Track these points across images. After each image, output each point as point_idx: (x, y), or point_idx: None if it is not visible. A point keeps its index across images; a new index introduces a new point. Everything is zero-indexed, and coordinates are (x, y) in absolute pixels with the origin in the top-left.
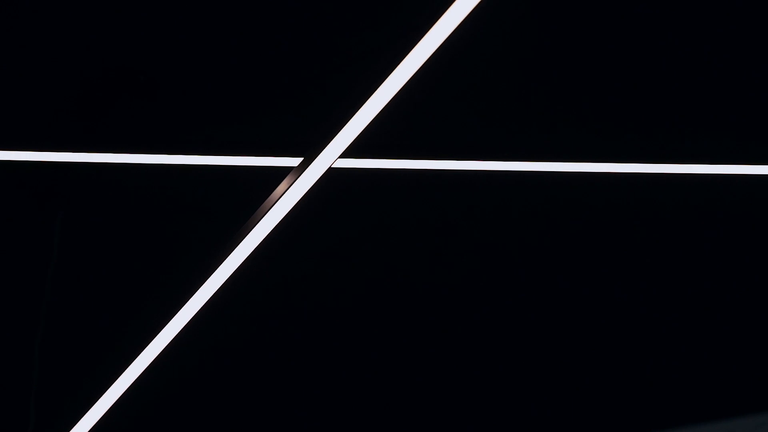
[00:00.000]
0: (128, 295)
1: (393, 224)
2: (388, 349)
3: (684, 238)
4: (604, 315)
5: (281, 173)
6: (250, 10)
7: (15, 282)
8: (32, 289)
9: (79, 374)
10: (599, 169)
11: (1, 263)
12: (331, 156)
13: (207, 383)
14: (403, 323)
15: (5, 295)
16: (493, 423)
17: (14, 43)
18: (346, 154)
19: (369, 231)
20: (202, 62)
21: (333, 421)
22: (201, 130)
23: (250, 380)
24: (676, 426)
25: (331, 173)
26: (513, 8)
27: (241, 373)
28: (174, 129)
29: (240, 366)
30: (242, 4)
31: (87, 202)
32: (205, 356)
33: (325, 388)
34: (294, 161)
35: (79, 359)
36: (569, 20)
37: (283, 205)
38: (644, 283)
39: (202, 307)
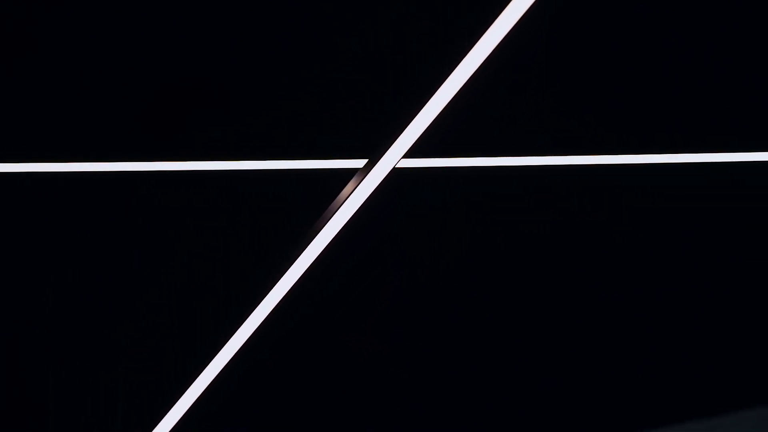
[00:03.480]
0: (204, 295)
1: (454, 221)
2: (450, 346)
3: (667, 236)
4: (591, 315)
5: (348, 174)
6: (317, 19)
7: (100, 286)
8: (117, 291)
9: (164, 372)
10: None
11: (85, 271)
12: (394, 157)
13: (279, 377)
14: (453, 322)
15: (92, 298)
16: (485, 423)
17: (89, 58)
18: (409, 155)
19: (432, 228)
20: (268, 70)
21: (380, 413)
22: (270, 136)
23: (312, 373)
24: (663, 427)
25: (395, 173)
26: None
27: (307, 366)
28: (244, 136)
29: (307, 360)
30: (312, 15)
31: (165, 208)
32: (280, 350)
33: (376, 385)
34: (359, 163)
35: (163, 358)
36: (572, 22)
37: (350, 204)
38: (630, 283)
39: (278, 303)
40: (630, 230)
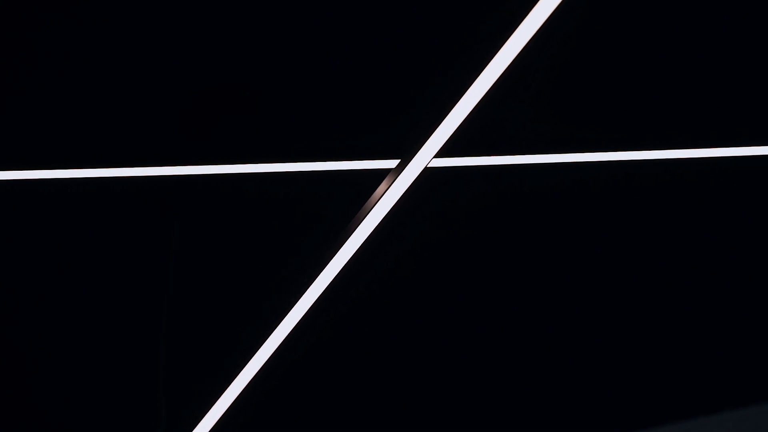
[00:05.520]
0: (242, 296)
1: (486, 219)
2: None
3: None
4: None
5: (380, 174)
6: (346, 19)
7: (138, 290)
8: (154, 295)
9: (202, 373)
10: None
11: (124, 274)
12: (426, 156)
13: (314, 377)
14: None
15: (131, 301)
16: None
17: (124, 64)
18: (440, 154)
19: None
20: (299, 74)
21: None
22: (303, 139)
23: (350, 372)
24: (643, 428)
25: (427, 172)
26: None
27: (345, 365)
28: (278, 139)
29: (343, 358)
30: (341, 16)
31: (199, 211)
32: (316, 350)
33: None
34: (392, 163)
35: (201, 360)
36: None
37: (383, 204)
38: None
39: (313, 304)
40: (629, 228)
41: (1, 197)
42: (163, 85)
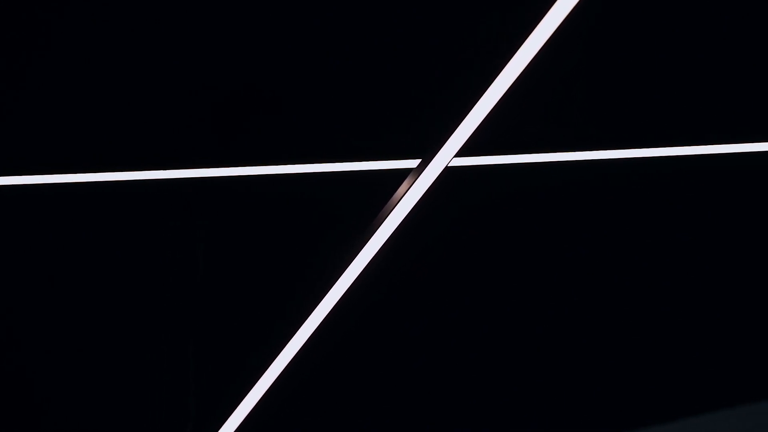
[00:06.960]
0: (265, 296)
1: (506, 219)
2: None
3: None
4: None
5: (401, 175)
6: (346, 19)
7: (168, 290)
8: (184, 294)
9: (229, 372)
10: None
11: (154, 273)
12: (446, 156)
13: (334, 376)
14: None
15: (162, 301)
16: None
17: (123, 66)
18: (460, 154)
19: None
20: (319, 77)
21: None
22: (325, 140)
23: (372, 371)
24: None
25: (448, 172)
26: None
27: (365, 364)
28: (299, 140)
29: (363, 358)
30: (341, 15)
31: (226, 211)
32: (335, 350)
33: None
34: (412, 163)
35: (227, 358)
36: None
37: (405, 204)
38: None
39: (336, 304)
40: (638, 226)
41: (6, 203)
42: (161, 87)
